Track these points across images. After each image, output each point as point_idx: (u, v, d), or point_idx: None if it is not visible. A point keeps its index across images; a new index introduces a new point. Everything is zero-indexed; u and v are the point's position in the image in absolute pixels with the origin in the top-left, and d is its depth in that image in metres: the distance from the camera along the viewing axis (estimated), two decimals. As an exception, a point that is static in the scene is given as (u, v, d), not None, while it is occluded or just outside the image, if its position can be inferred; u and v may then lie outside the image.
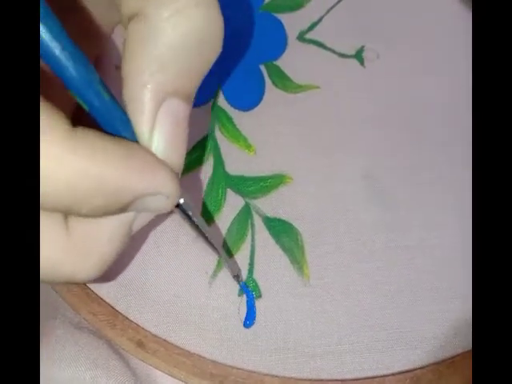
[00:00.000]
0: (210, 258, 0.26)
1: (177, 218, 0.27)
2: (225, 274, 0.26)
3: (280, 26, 0.31)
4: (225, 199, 0.27)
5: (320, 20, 0.31)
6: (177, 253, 0.27)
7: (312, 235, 0.26)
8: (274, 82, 0.30)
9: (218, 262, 0.26)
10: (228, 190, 0.28)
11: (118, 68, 0.30)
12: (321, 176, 0.28)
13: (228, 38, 0.32)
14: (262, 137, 0.29)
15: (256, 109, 0.29)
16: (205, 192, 0.28)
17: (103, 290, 0.26)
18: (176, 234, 0.27)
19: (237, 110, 0.29)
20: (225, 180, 0.28)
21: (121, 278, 0.26)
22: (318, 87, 0.30)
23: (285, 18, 0.31)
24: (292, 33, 0.31)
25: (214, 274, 0.26)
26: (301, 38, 0.31)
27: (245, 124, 0.29)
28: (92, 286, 0.26)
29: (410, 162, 0.28)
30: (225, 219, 0.27)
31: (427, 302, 0.25)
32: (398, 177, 0.27)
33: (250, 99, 0.30)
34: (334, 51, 0.30)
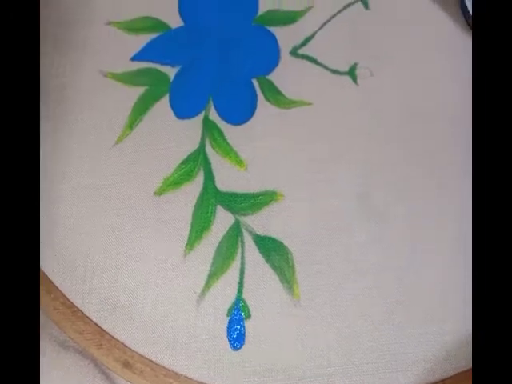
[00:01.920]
0: (199, 277, 0.26)
1: (166, 237, 0.26)
2: (213, 294, 0.25)
3: (273, 39, 0.31)
4: (214, 216, 0.27)
5: (313, 35, 0.31)
6: (165, 271, 0.26)
7: (303, 254, 0.26)
8: (266, 97, 0.30)
9: (207, 281, 0.26)
10: (218, 206, 0.27)
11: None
12: (313, 193, 0.27)
13: (220, 49, 0.31)
14: (253, 152, 0.28)
15: (248, 123, 0.29)
16: (194, 207, 0.27)
17: (90, 308, 0.25)
18: (164, 253, 0.26)
19: (228, 124, 0.29)
20: (215, 196, 0.27)
21: (107, 296, 0.26)
22: (310, 103, 0.29)
23: (278, 32, 0.31)
24: (285, 47, 0.31)
25: (203, 294, 0.25)
26: (294, 52, 0.30)
27: (236, 138, 0.29)
28: (79, 304, 0.25)
29: (404, 180, 0.27)
30: (214, 236, 0.26)
31: (418, 323, 0.25)
32: (393, 194, 0.27)
33: (241, 113, 0.29)
34: (326, 67, 0.30)
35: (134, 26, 0.31)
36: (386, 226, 0.26)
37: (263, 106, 0.29)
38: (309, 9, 0.31)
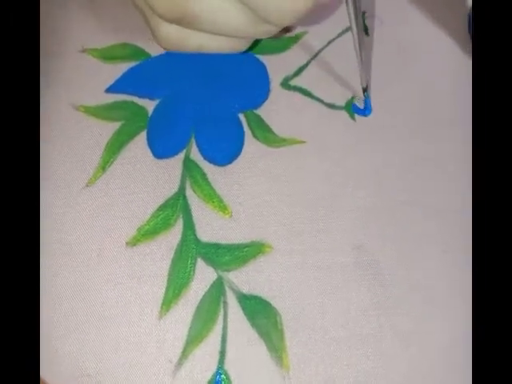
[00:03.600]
0: (175, 343, 0.23)
1: (139, 296, 0.23)
2: (191, 363, 0.22)
3: (263, 69, 0.28)
4: (194, 271, 0.24)
5: (307, 64, 0.28)
6: (137, 336, 0.23)
7: (293, 317, 0.23)
8: (254, 134, 0.27)
9: (184, 349, 0.23)
10: (198, 259, 0.24)
11: None
12: (305, 245, 0.24)
13: (204, 80, 0.29)
14: (239, 197, 0.25)
15: (233, 163, 0.26)
16: (171, 261, 0.24)
17: (52, 375, 0.22)
18: (137, 314, 0.23)
19: (211, 165, 0.26)
20: (195, 248, 0.24)
21: (73, 363, 0.23)
22: (303, 142, 0.26)
23: (268, 61, 0.28)
24: (276, 78, 0.28)
25: (179, 363, 0.22)
26: (285, 84, 0.28)
27: (220, 181, 0.26)
28: (48, 379, 0.22)
29: (406, 231, 0.24)
30: (193, 295, 0.23)
31: (424, 400, 0.22)
32: (393, 248, 0.24)
33: (226, 152, 0.26)
34: (321, 101, 0.27)
35: (110, 54, 0.29)
36: (387, 284, 0.23)
37: (251, 144, 0.26)
38: (303, 34, 0.29)
